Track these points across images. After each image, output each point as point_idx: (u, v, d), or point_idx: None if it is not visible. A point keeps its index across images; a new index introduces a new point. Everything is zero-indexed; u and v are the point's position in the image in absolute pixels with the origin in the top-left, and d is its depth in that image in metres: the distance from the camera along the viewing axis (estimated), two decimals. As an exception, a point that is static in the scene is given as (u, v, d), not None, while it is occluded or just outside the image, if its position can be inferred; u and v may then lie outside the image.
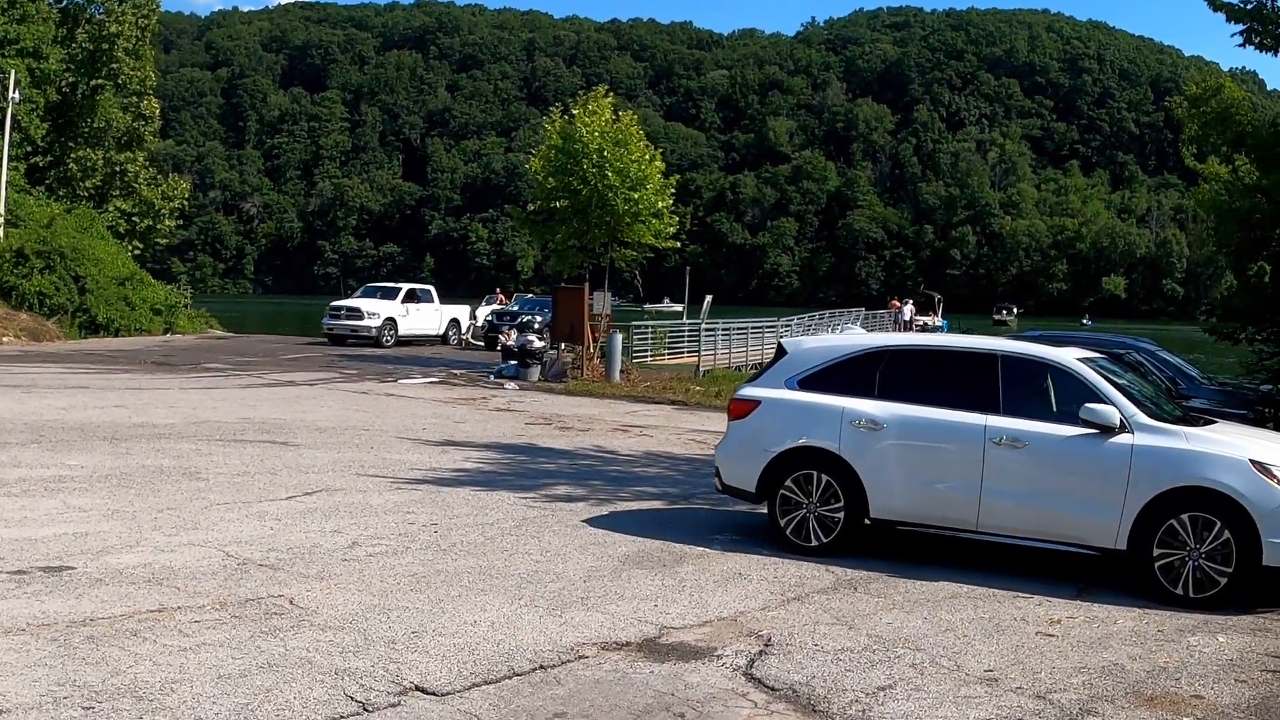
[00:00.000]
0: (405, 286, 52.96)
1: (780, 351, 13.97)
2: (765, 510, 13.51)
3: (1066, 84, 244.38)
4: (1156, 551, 11.50)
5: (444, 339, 52.62)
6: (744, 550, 13.01)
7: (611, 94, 39.75)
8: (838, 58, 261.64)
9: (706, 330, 45.52)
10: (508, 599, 10.59)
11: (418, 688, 8.24)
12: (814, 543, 12.93)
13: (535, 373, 35.92)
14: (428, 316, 51.96)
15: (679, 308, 59.82)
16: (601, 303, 38.37)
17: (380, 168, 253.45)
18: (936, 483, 12.44)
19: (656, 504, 15.98)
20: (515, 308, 52.06)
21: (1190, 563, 11.36)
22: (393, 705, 7.91)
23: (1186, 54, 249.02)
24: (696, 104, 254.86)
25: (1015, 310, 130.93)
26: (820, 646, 9.56)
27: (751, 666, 9.00)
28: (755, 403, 13.58)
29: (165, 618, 9.54)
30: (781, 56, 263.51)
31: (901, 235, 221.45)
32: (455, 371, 37.90)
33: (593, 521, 14.32)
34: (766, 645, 9.56)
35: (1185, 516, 11.43)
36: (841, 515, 12.83)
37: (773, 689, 8.53)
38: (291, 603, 10.17)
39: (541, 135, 40.30)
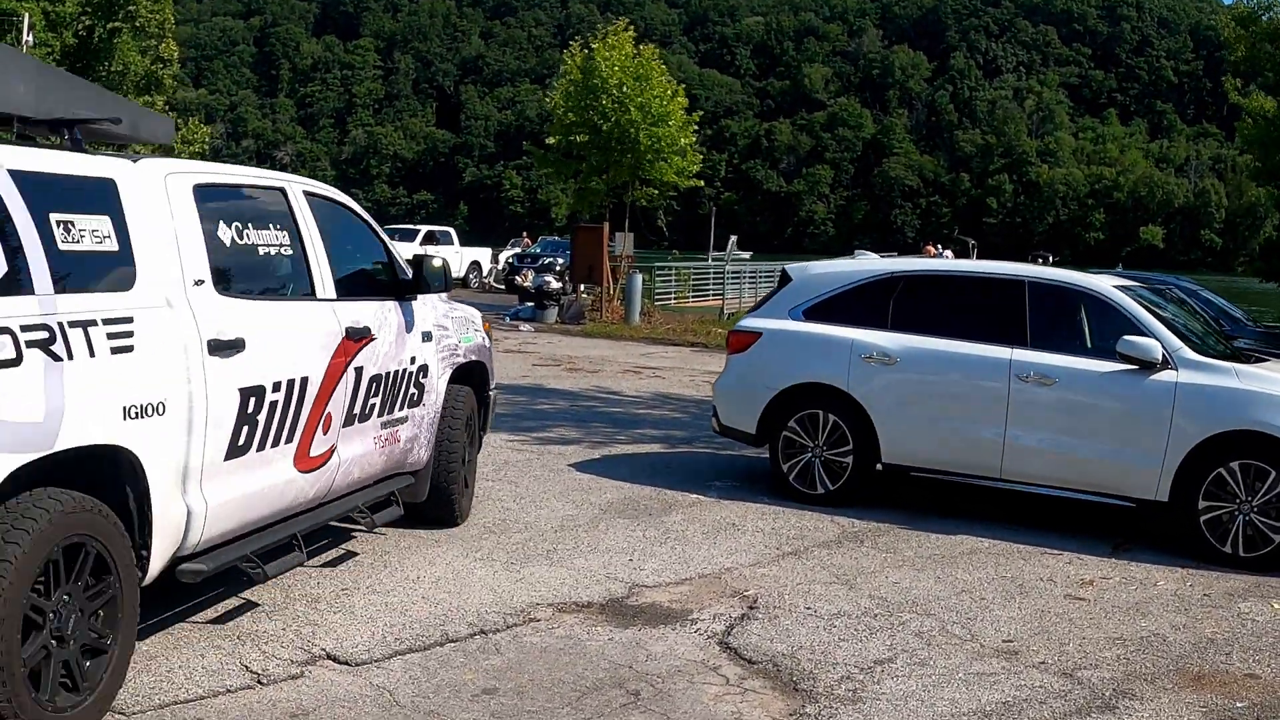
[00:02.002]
0: (424, 229, 51.78)
1: (784, 278, 12.59)
2: (768, 454, 12.14)
3: (1105, 31, 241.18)
4: (1202, 504, 10.14)
5: (464, 282, 51.41)
6: (742, 498, 11.71)
7: (632, 29, 38.30)
8: (874, 4, 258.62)
9: (732, 272, 44.14)
10: (462, 551, 9.33)
11: (329, 655, 7.01)
12: (819, 490, 11.62)
13: (552, 314, 34.66)
14: (448, 259, 50.59)
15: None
16: (622, 243, 37.16)
17: (414, 115, 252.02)
18: (955, 424, 11.09)
19: (655, 447, 14.69)
20: (537, 250, 50.72)
21: (1240, 517, 10.01)
22: (293, 677, 6.67)
23: (1226, 1, 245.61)
24: (731, 50, 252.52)
25: (1051, 259, 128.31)
26: (813, 610, 8.25)
27: (729, 634, 7.71)
28: (756, 335, 12.23)
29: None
30: (817, 3, 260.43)
31: (938, 183, 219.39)
32: (471, 314, 36.59)
33: (580, 466, 13.04)
34: (751, 608, 8.27)
35: (1235, 464, 10.06)
36: (850, 460, 11.51)
37: (750, 661, 7.24)
38: (216, 554, 8.91)
39: (562, 70, 38.88)
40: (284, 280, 7.67)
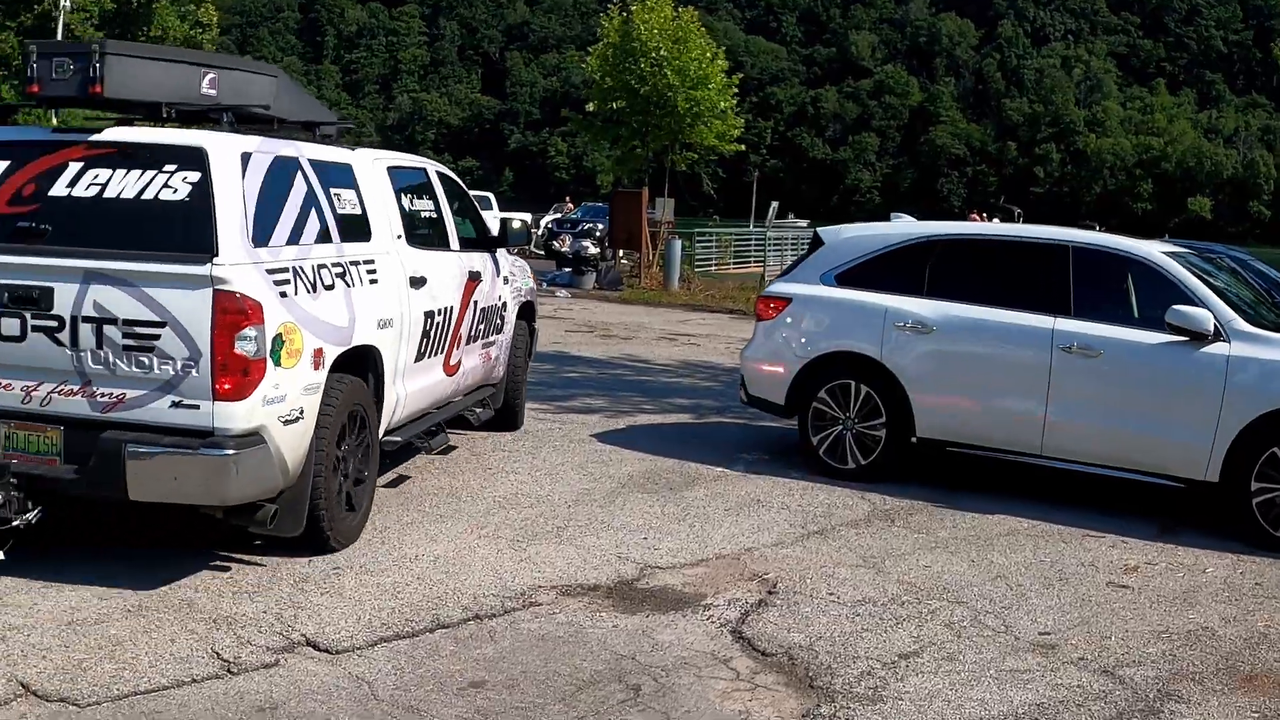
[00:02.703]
0: (462, 192, 51.12)
1: (816, 241, 11.98)
2: (797, 427, 11.56)
3: (1154, 0, 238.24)
4: (1255, 485, 9.48)
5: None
6: (770, 473, 11.14)
7: (691, 7, 37.60)
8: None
9: (774, 239, 43.46)
10: (468, 527, 8.81)
11: (309, 642, 6.51)
12: (850, 465, 11.04)
13: (590, 280, 34.08)
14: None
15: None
16: (662, 209, 36.56)
17: (459, 82, 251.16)
18: (994, 397, 10.47)
19: (683, 417, 14.14)
20: (577, 215, 50.08)
21: (1296, 500, 9.36)
22: (266, 666, 6.16)
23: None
24: (777, 17, 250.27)
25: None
26: (836, 596, 7.69)
27: (744, 622, 7.15)
28: (785, 300, 11.63)
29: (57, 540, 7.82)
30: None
31: (985, 152, 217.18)
32: (507, 279, 36.07)
33: (603, 436, 12.50)
34: (769, 593, 7.71)
35: (1292, 443, 9.38)
36: (883, 433, 10.92)
37: (764, 653, 6.69)
38: (211, 526, 8.40)
39: (599, 34, 38.22)
40: (433, 236, 10.22)
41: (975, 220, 45.33)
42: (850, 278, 11.31)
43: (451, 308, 9.93)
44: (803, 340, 11.38)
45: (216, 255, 6.82)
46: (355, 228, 8.45)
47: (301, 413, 7.31)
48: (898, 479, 10.88)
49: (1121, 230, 12.84)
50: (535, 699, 5.91)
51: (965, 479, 11.23)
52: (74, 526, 8.25)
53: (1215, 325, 9.64)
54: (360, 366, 8.18)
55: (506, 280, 11.80)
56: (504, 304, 11.64)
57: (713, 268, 42.46)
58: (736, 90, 36.83)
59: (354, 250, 8.25)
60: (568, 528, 8.94)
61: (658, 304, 30.49)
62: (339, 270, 7.92)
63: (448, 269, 10.02)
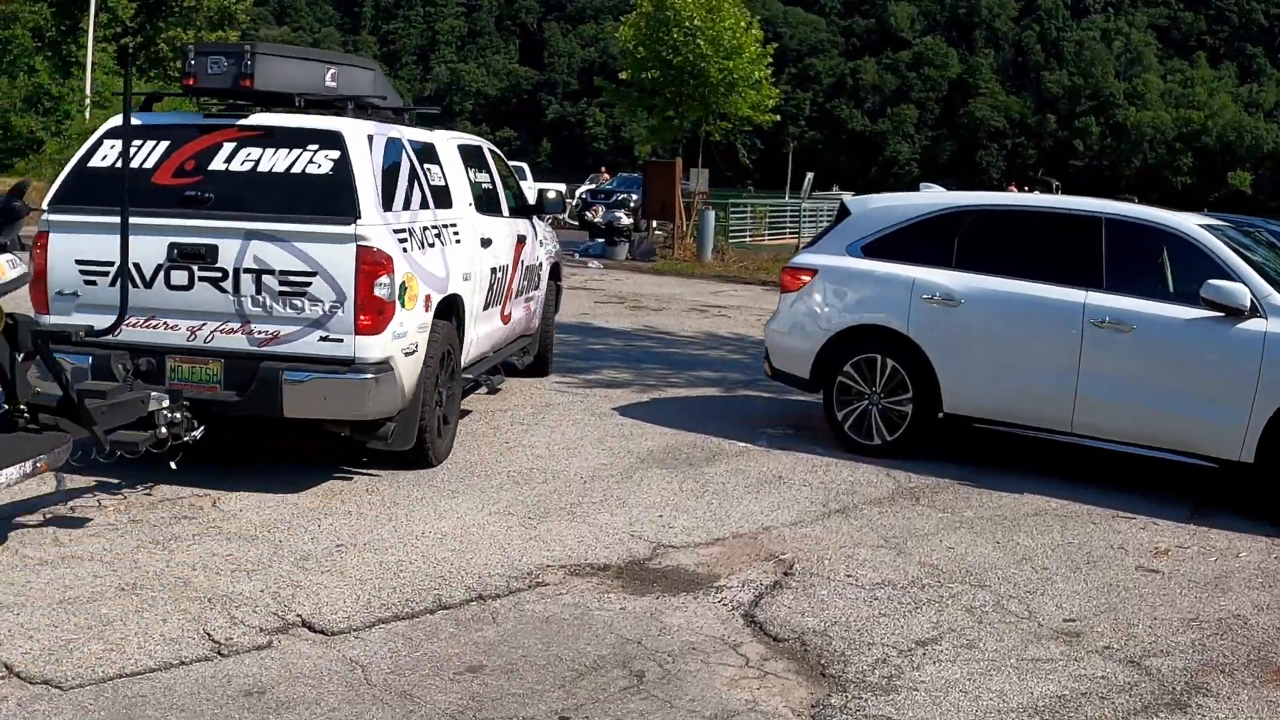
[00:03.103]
0: (496, 163, 50.91)
1: (843, 211, 11.68)
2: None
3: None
4: (1293, 465, 9.15)
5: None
6: (794, 449, 10.88)
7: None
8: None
9: (809, 210, 43.09)
10: (478, 503, 8.58)
11: (305, 623, 6.29)
12: (876, 441, 10.77)
13: (623, 251, 33.78)
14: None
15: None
16: (696, 180, 36.25)
17: (497, 52, 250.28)
18: (1023, 372, 10.18)
19: (709, 391, 13.89)
20: (611, 185, 49.75)
21: (1335, 481, 9.04)
22: (258, 648, 5.95)
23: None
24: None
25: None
26: (854, 579, 7.42)
27: (757, 605, 6.90)
28: (811, 272, 11.35)
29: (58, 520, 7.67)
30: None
31: (1024, 124, 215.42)
32: (540, 250, 35.79)
33: (625, 409, 12.26)
34: (785, 574, 7.46)
35: (1331, 423, 9.06)
36: (909, 409, 10.65)
37: (776, 639, 6.43)
38: (214, 504, 8.24)
39: (633, 3, 37.86)
40: (490, 204, 11.57)
41: (1013, 193, 44.88)
42: (877, 249, 11.02)
43: (507, 266, 11.48)
44: (828, 313, 11.12)
45: (359, 218, 8.33)
46: (442, 197, 10.06)
47: (416, 347, 8.84)
48: (924, 455, 10.60)
49: (1161, 204, 12.47)
50: (534, 685, 5.67)
51: (993, 456, 10.96)
52: (79, 507, 8.07)
53: (1252, 300, 9.32)
54: (449, 312, 9.66)
55: (542, 244, 13.38)
56: (540, 264, 13.18)
57: (747, 239, 42.17)
58: (771, 60, 36.45)
59: (443, 216, 9.85)
60: (581, 504, 8.71)
61: (690, 275, 30.20)
62: (436, 232, 9.49)
63: (504, 232, 11.54)
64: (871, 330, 10.86)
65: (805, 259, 11.64)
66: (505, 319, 11.65)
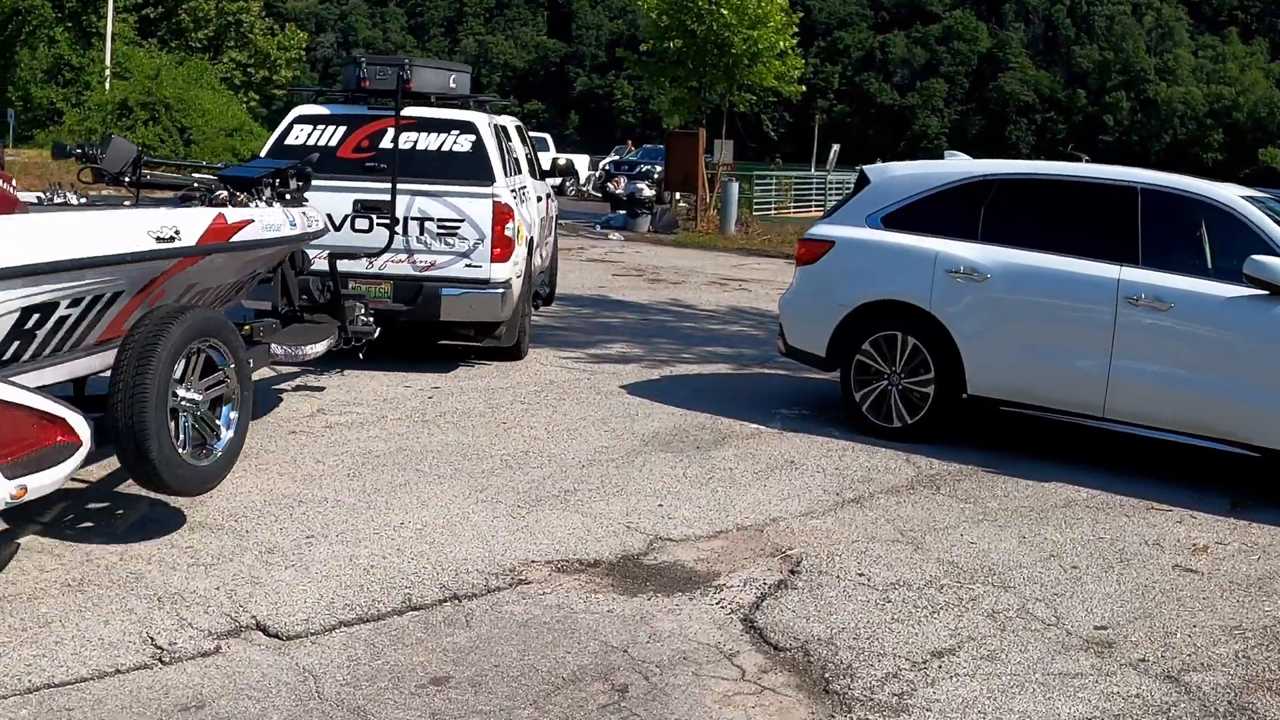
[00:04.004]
0: (517, 133, 50.40)
1: (862, 180, 11.04)
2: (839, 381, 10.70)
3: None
4: (1342, 454, 8.51)
5: (560, 189, 50.10)
6: (809, 430, 10.29)
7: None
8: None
9: (835, 182, 42.36)
10: (466, 490, 8.02)
11: (259, 625, 5.71)
12: (896, 423, 10.16)
13: (645, 223, 33.23)
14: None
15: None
16: (720, 151, 35.60)
17: (524, 24, 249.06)
18: (1052, 352, 9.54)
19: (723, 368, 13.30)
20: (635, 157, 49.08)
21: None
22: (204, 654, 5.38)
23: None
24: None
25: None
26: (866, 578, 6.81)
27: (758, 608, 6.29)
28: (827, 244, 10.73)
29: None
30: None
31: (1053, 99, 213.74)
32: (561, 222, 35.12)
33: (633, 388, 11.69)
34: (792, 572, 6.85)
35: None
36: (931, 390, 10.03)
37: (777, 648, 5.82)
38: (181, 487, 7.65)
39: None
40: (530, 170, 14.53)
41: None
42: (899, 220, 10.39)
43: (543, 218, 14.63)
44: (846, 288, 10.48)
45: (494, 182, 11.80)
46: (517, 166, 13.40)
47: (521, 273, 12.19)
48: (947, 440, 10.01)
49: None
50: (503, 701, 5.08)
51: (1020, 442, 10.34)
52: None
53: (1298, 277, 8.68)
54: (529, 250, 12.75)
55: (552, 199, 16.59)
56: (552, 218, 16.42)
57: (772, 212, 41.47)
58: (797, 30, 35.70)
59: (520, 180, 13.07)
60: (576, 491, 8.13)
61: (713, 248, 29.64)
62: (524, 192, 12.89)
63: (541, 192, 14.94)
64: (892, 306, 10.23)
65: (822, 230, 11.02)
66: (542, 257, 14.65)
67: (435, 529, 7.18)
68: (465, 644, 5.63)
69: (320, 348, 9.14)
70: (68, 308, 6.20)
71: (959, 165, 10.74)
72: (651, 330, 15.67)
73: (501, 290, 11.64)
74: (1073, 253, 9.57)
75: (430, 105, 12.32)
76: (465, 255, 11.62)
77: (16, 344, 6.00)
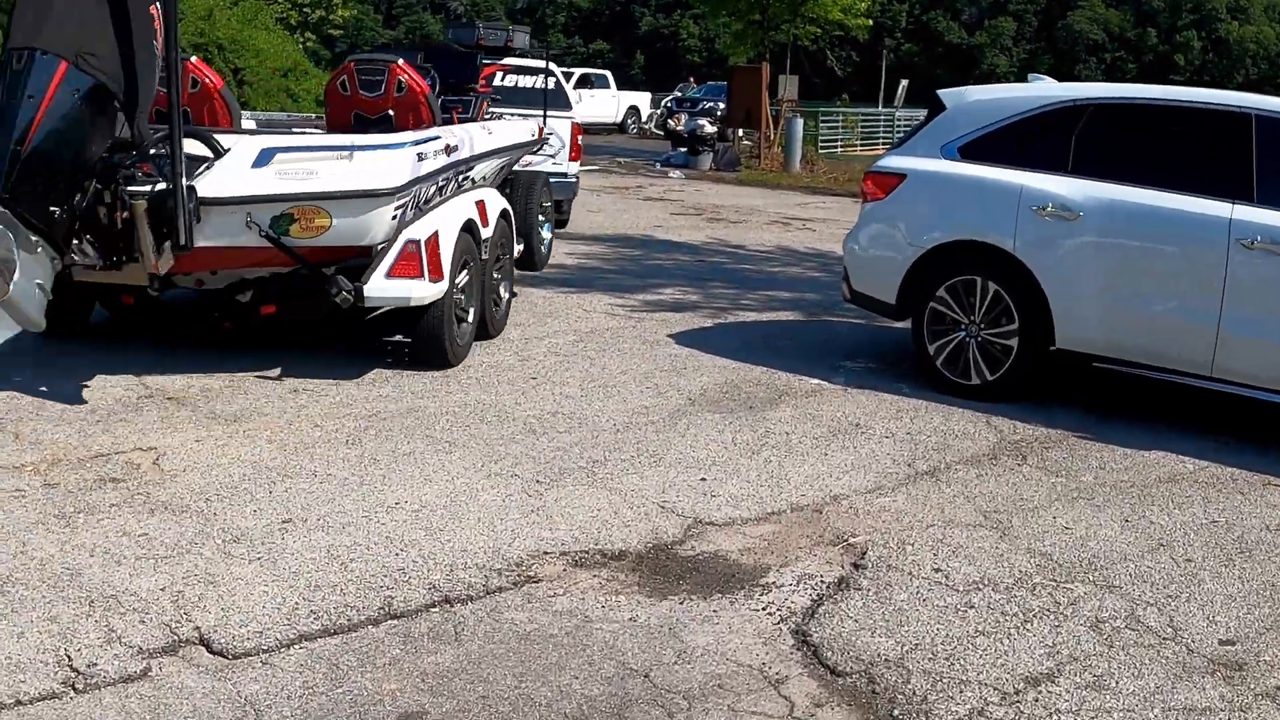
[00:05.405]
0: (578, 71, 49.30)
1: (936, 105, 9.83)
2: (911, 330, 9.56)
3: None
4: None
5: (621, 127, 49.01)
6: (876, 387, 9.18)
7: None
8: None
9: (903, 119, 40.91)
10: (479, 460, 6.96)
11: (201, 639, 4.70)
12: (974, 380, 9.01)
13: (706, 161, 32.01)
14: (603, 103, 48.27)
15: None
16: (784, 87, 34.31)
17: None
18: (1153, 301, 8.33)
19: (783, 315, 12.17)
20: (697, 94, 47.74)
21: None
22: (125, 679, 4.37)
23: None
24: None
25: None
26: (944, 575, 5.68)
27: (813, 616, 5.17)
28: (898, 177, 9.56)
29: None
30: None
31: (1123, 38, 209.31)
32: (620, 160, 34.08)
33: (682, 337, 10.61)
34: (855, 566, 5.73)
35: None
36: (1014, 342, 8.85)
37: (835, 671, 4.71)
38: (155, 462, 6.68)
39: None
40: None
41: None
42: (977, 150, 9.20)
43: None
44: (919, 226, 9.32)
45: (571, 109, 16.42)
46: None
47: (579, 174, 16.76)
48: (1031, 398, 8.86)
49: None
50: (486, 750, 4.02)
51: (1114, 402, 9.15)
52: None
53: None
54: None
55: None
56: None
57: (838, 149, 40.05)
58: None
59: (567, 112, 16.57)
60: (606, 462, 7.05)
61: (776, 186, 28.41)
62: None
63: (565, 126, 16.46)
64: (970, 247, 9.03)
65: (892, 162, 9.83)
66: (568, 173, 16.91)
67: (435, 511, 6.12)
68: (449, 665, 4.57)
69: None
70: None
71: (1046, 89, 9.50)
72: (706, 273, 14.56)
73: (575, 180, 16.55)
74: (1177, 188, 8.34)
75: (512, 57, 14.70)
76: (552, 158, 15.19)
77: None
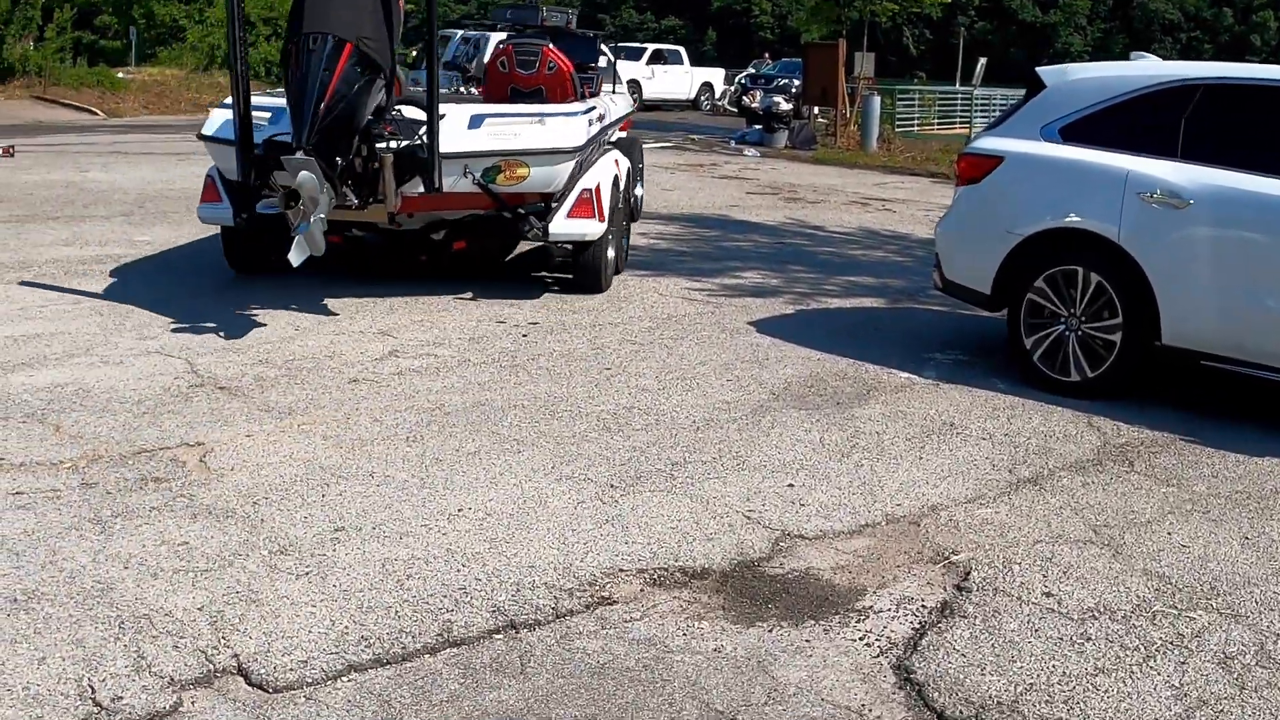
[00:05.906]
0: (651, 47, 48.77)
1: (1035, 84, 9.26)
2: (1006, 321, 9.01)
3: None
4: None
5: (694, 104, 48.47)
6: (969, 382, 8.66)
7: None
8: None
9: (981, 98, 40.10)
10: (549, 461, 6.50)
11: (240, 668, 4.25)
12: (1074, 376, 8.45)
13: (781, 139, 31.44)
14: (676, 79, 47.76)
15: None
16: (861, 64, 33.66)
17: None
18: (1269, 297, 7.72)
19: (867, 301, 11.65)
20: (772, 70, 47.09)
21: None
22: (154, 716, 3.89)
23: None
24: None
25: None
26: (1056, 600, 5.15)
27: (915, 648, 4.66)
28: (995, 160, 9.00)
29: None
30: None
31: (1199, 18, 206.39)
32: (694, 137, 33.57)
33: (764, 325, 10.13)
34: (959, 589, 5.21)
35: None
36: (1118, 337, 8.28)
37: (942, 717, 4.18)
38: (202, 459, 6.27)
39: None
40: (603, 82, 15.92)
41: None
42: (1079, 132, 8.63)
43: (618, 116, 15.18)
44: (1016, 212, 8.76)
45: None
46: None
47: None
48: (1135, 397, 8.30)
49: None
50: (553, 811, 3.56)
51: (1226, 404, 8.56)
52: (35, 460, 6.17)
53: None
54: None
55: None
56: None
57: (915, 128, 39.28)
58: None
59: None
60: (686, 465, 6.57)
61: (853, 165, 27.77)
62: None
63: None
64: (1072, 236, 8.47)
65: (989, 143, 9.27)
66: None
67: (501, 519, 5.66)
68: (513, 704, 4.10)
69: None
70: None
71: (1154, 68, 8.90)
72: (786, 256, 14.04)
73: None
74: (1298, 174, 7.75)
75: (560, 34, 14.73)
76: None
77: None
